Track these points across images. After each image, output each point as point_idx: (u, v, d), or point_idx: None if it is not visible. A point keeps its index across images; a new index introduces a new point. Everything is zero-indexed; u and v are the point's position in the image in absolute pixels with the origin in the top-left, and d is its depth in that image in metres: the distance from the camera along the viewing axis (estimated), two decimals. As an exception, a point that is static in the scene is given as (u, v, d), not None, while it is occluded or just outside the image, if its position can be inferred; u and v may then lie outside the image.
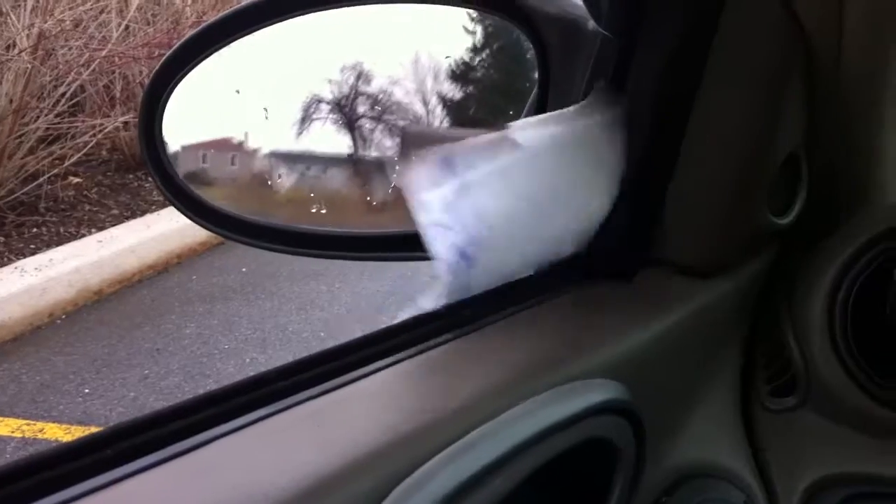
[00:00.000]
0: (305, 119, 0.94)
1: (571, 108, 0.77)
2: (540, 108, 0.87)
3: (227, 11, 0.91)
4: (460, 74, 0.95)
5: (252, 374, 0.63)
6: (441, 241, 0.70)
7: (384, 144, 0.95)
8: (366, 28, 0.94)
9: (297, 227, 0.93)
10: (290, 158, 0.99)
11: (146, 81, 5.39)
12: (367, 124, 0.94)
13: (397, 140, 0.95)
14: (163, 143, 0.89)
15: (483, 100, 1.01)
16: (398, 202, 0.96)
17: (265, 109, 0.96)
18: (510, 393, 0.65)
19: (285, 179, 1.00)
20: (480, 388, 0.65)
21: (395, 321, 0.71)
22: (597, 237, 0.80)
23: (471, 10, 0.92)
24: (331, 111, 0.94)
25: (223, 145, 0.99)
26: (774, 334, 0.88)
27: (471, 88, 0.98)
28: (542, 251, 0.77)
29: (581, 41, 0.81)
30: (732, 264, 0.84)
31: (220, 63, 0.89)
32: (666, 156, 0.77)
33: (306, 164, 0.98)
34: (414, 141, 0.96)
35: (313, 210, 0.98)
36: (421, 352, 0.68)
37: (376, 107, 0.94)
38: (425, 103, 0.94)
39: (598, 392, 0.69)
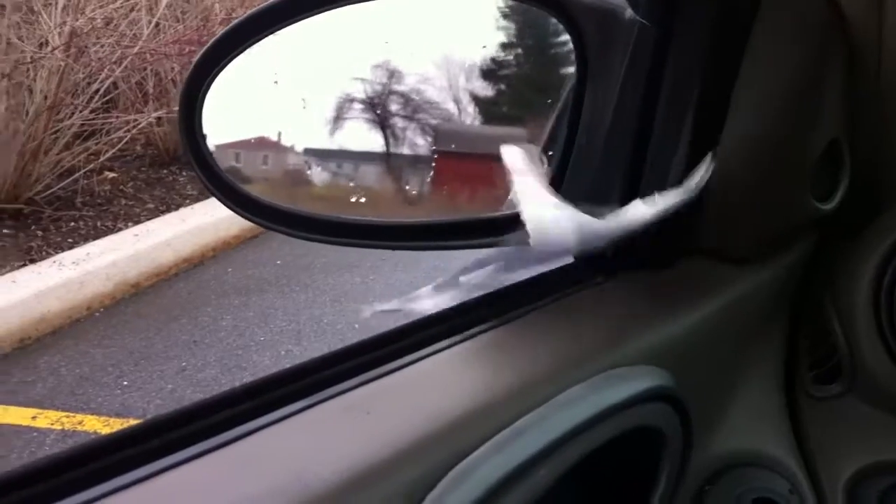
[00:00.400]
0: (338, 118, 0.95)
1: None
2: (577, 99, 0.86)
3: (259, 7, 0.91)
4: (492, 70, 0.95)
5: (293, 364, 0.63)
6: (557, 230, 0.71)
7: (416, 142, 0.95)
8: (399, 20, 0.94)
9: (335, 217, 0.94)
10: (323, 156, 0.99)
11: (178, 77, 5.44)
12: (398, 122, 0.94)
13: (429, 138, 0.95)
14: (203, 137, 0.90)
15: (515, 95, 1.00)
16: (432, 197, 0.97)
17: (303, 100, 0.97)
18: (556, 380, 0.65)
19: (318, 177, 1.00)
20: (526, 376, 0.64)
21: (424, 316, 0.71)
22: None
23: (508, 0, 0.92)
24: (363, 110, 0.94)
25: (257, 144, 1.00)
26: (818, 321, 0.87)
27: (503, 85, 0.98)
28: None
29: (618, 30, 0.80)
30: (775, 251, 0.84)
31: (254, 59, 0.90)
32: (705, 143, 0.77)
33: (338, 162, 0.99)
34: (446, 138, 0.96)
35: (353, 199, 0.98)
36: (464, 339, 0.68)
37: (408, 105, 0.94)
38: (457, 101, 0.94)
39: (644, 379, 0.69)
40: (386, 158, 0.96)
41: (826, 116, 0.78)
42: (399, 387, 0.63)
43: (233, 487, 0.53)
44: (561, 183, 0.84)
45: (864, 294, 0.83)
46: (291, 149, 1.00)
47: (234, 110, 0.98)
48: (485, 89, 0.95)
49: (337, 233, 0.92)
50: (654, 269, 0.82)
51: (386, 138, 0.95)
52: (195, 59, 0.90)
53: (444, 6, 0.95)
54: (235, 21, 0.92)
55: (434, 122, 0.95)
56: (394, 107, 0.94)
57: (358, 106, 0.94)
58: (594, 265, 0.80)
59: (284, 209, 0.93)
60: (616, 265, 0.81)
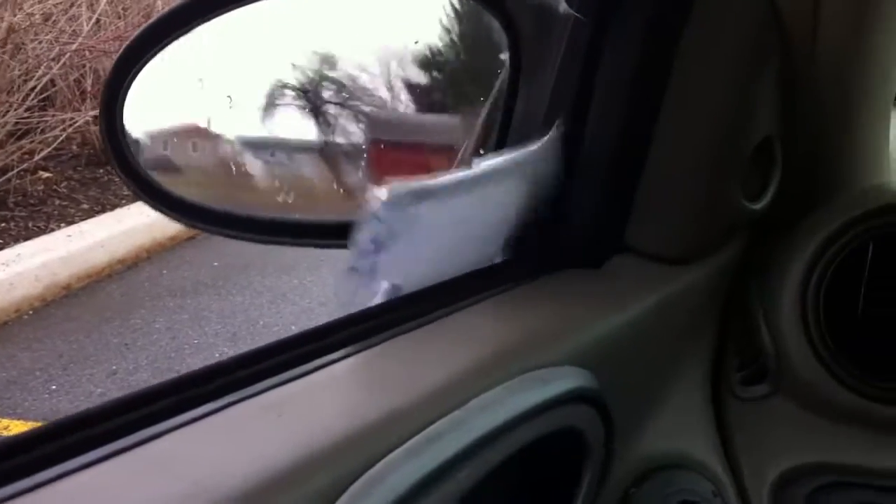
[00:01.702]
0: (270, 105, 0.93)
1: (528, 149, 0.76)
2: (511, 93, 0.85)
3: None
4: (427, 58, 0.94)
5: (203, 365, 0.60)
6: (365, 228, 0.69)
7: (349, 130, 0.94)
8: (331, 10, 0.94)
9: (259, 215, 0.93)
10: (255, 145, 0.98)
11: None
12: (332, 110, 0.93)
13: (363, 125, 0.95)
14: (125, 135, 0.89)
15: (449, 84, 1.00)
16: (367, 186, 0.97)
17: (229, 97, 0.96)
18: (476, 382, 0.63)
19: (250, 166, 0.99)
20: (445, 377, 0.63)
21: (344, 315, 0.68)
22: (566, 224, 0.79)
23: None
24: (295, 97, 0.93)
25: (186, 133, 0.98)
26: (746, 322, 0.86)
27: (437, 73, 0.97)
28: (472, 257, 0.76)
29: (553, 24, 0.80)
30: (705, 251, 0.83)
31: (181, 51, 0.88)
32: (638, 140, 0.76)
33: (271, 151, 0.97)
34: (379, 126, 0.96)
35: (279, 199, 0.97)
36: (385, 340, 0.66)
37: (342, 92, 0.93)
38: (391, 88, 0.93)
39: (566, 380, 0.68)
40: (319, 149, 0.95)
41: (759, 114, 0.78)
42: (313, 389, 0.61)
43: (139, 491, 0.51)
44: None
45: (792, 294, 0.83)
46: (221, 139, 0.99)
47: (159, 108, 0.97)
48: (419, 77, 0.94)
49: (260, 230, 0.91)
50: (582, 269, 0.81)
51: (319, 126, 0.93)
52: (115, 57, 0.89)
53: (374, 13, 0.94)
54: (156, 16, 0.91)
55: (367, 109, 0.94)
56: (327, 94, 0.93)
57: (290, 93, 0.92)
58: (521, 265, 0.79)
59: (205, 207, 0.92)
60: (544, 265, 0.80)
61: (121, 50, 0.88)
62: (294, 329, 4.13)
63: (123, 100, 0.88)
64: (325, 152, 0.96)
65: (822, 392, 0.82)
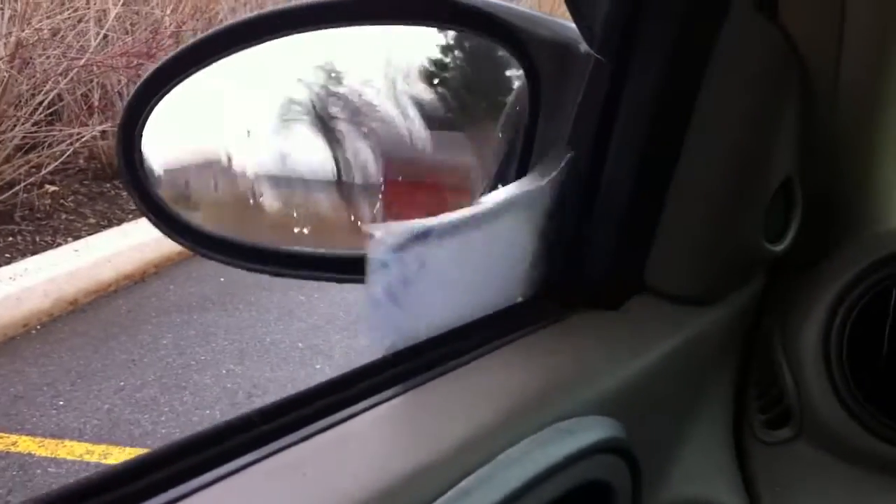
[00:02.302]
0: (285, 129, 0.94)
1: (528, 176, 0.76)
2: (529, 132, 0.84)
3: (202, 35, 0.91)
4: (432, 75, 0.94)
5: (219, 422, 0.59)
6: (376, 279, 0.68)
7: (365, 160, 0.94)
8: (349, 46, 0.94)
9: (275, 247, 0.93)
10: (272, 176, 0.98)
11: (125, 90, 5.36)
12: (343, 129, 0.94)
13: (380, 164, 0.94)
14: (142, 161, 0.89)
15: (459, 100, 0.99)
16: (380, 203, 0.95)
17: (248, 132, 0.96)
18: (502, 434, 0.62)
19: (266, 196, 0.99)
20: (471, 431, 0.62)
21: (367, 363, 0.68)
22: (585, 264, 0.78)
23: (457, 31, 0.91)
24: (309, 122, 0.93)
25: (205, 167, 0.99)
26: (768, 363, 0.85)
27: (443, 89, 0.97)
28: (489, 298, 0.75)
29: (573, 64, 0.79)
30: (724, 291, 0.82)
31: (199, 83, 0.89)
32: (657, 181, 0.76)
33: (287, 181, 0.98)
34: (395, 166, 0.96)
35: (296, 230, 0.97)
36: (406, 391, 0.65)
37: (356, 115, 0.94)
38: (405, 116, 0.93)
39: (593, 431, 0.67)
40: (335, 184, 0.95)
41: (779, 155, 0.77)
42: (337, 445, 0.60)
43: None
44: None
45: (814, 337, 0.82)
46: (238, 170, 0.99)
47: (180, 134, 0.97)
48: (424, 92, 0.94)
49: (276, 262, 0.91)
50: (603, 311, 0.80)
51: (337, 162, 0.94)
52: (137, 83, 0.89)
53: (391, 38, 0.94)
54: (177, 49, 0.91)
55: (376, 126, 0.94)
56: (339, 114, 0.93)
57: (304, 118, 0.93)
58: (541, 306, 0.78)
59: (221, 237, 0.92)
60: (564, 306, 0.79)
61: (138, 83, 0.88)
62: (300, 346, 4.16)
63: (142, 130, 0.88)
64: (340, 183, 0.96)
65: (845, 437, 0.81)
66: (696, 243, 0.78)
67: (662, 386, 0.78)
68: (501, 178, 0.90)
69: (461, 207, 0.99)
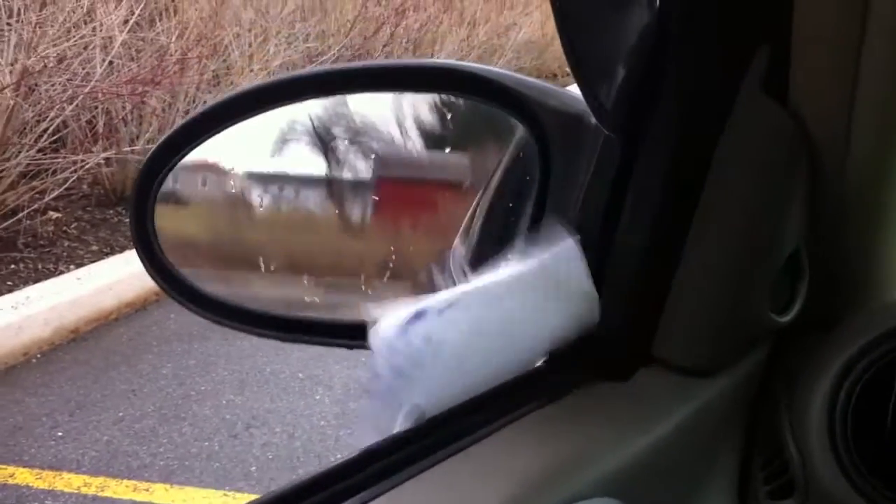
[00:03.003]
0: (281, 141, 0.95)
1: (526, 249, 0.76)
2: (539, 201, 0.86)
3: (218, 101, 0.92)
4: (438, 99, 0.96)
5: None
6: (383, 362, 0.69)
7: (358, 167, 0.96)
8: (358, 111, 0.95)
9: (281, 314, 0.94)
10: (264, 180, 1.00)
11: (129, 117, 5.38)
12: (341, 147, 0.95)
13: (371, 163, 0.96)
14: (154, 230, 0.90)
15: (459, 121, 1.00)
16: (374, 226, 0.98)
17: (260, 198, 0.98)
18: None
19: (258, 201, 1.01)
20: None
21: (365, 449, 0.67)
22: (593, 336, 0.78)
23: (469, 100, 0.93)
24: (306, 134, 0.94)
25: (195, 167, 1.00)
26: (773, 433, 0.85)
27: (447, 111, 0.98)
28: (498, 371, 0.76)
29: (583, 136, 0.80)
30: (730, 361, 0.82)
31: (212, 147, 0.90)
32: (667, 255, 0.76)
33: (280, 186, 1.00)
34: (387, 164, 0.97)
35: (304, 291, 0.98)
36: (408, 478, 0.65)
37: (351, 130, 0.95)
38: (400, 125, 0.94)
39: None
40: (327, 185, 0.97)
41: (788, 227, 0.78)
42: None
43: None
44: None
45: (819, 409, 0.81)
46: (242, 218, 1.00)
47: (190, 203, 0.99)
48: (428, 114, 0.95)
49: (281, 328, 0.92)
50: (610, 382, 0.80)
51: (328, 163, 0.95)
52: (152, 149, 0.90)
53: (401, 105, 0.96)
54: (194, 113, 0.93)
55: (376, 146, 0.95)
56: (336, 130, 0.94)
57: (301, 130, 0.94)
58: (547, 380, 0.78)
59: (231, 304, 0.94)
60: (570, 379, 0.79)
61: (153, 149, 0.89)
62: (300, 376, 4.15)
63: (154, 198, 0.89)
64: (335, 188, 0.97)
65: None
66: (703, 316, 0.79)
67: (669, 460, 0.78)
68: (504, 235, 0.91)
69: (452, 206, 1.00)
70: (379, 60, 7.28)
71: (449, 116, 0.98)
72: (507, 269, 0.75)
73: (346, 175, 0.97)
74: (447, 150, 1.01)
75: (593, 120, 0.79)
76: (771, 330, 0.82)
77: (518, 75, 0.87)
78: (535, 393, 0.77)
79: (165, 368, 4.36)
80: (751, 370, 0.85)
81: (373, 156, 0.96)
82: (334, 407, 3.96)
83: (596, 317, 0.77)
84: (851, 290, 0.87)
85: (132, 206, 0.89)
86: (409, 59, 6.83)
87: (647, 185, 0.75)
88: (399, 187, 1.01)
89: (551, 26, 0.77)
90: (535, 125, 0.84)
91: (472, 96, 0.90)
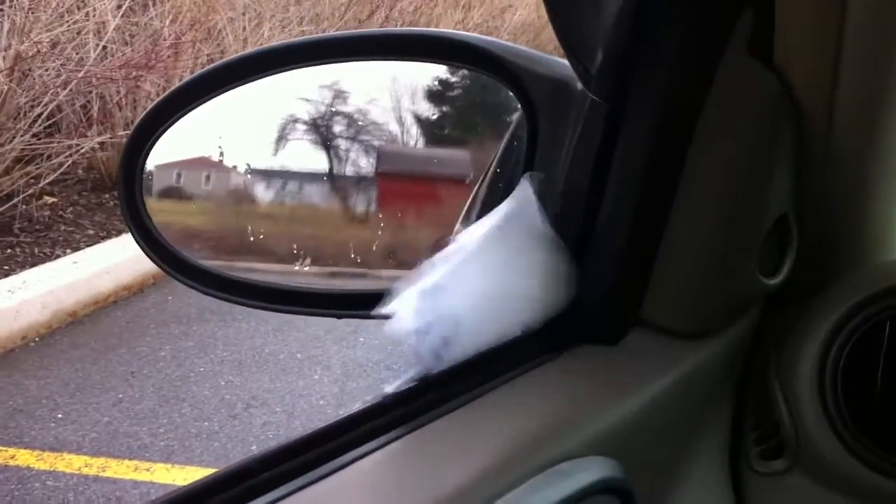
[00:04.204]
0: (283, 138, 0.96)
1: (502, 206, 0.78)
2: (528, 165, 0.86)
3: (208, 68, 0.92)
4: (438, 91, 0.96)
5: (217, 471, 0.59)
6: (419, 346, 0.71)
7: (359, 163, 0.96)
8: (348, 80, 0.95)
9: (277, 284, 0.95)
10: (267, 175, 1.00)
11: (123, 101, 5.35)
12: (342, 143, 0.95)
13: (373, 158, 0.96)
14: (143, 200, 0.91)
15: (461, 117, 1.01)
16: (378, 218, 0.98)
17: (248, 165, 0.98)
18: (500, 478, 0.62)
19: (262, 197, 1.01)
20: (467, 476, 0.62)
21: (366, 405, 0.69)
22: (583, 300, 0.79)
23: (458, 68, 0.93)
24: (308, 130, 0.95)
25: (198, 164, 1.01)
26: (764, 395, 0.86)
27: (447, 106, 0.99)
28: (508, 329, 0.77)
29: (570, 102, 0.81)
30: (721, 325, 0.83)
31: (202, 113, 0.90)
32: (655, 218, 0.77)
33: (283, 182, 1.00)
34: (388, 159, 0.97)
35: (296, 267, 0.98)
36: (402, 435, 0.66)
37: (352, 126, 0.95)
38: (401, 122, 0.95)
39: (591, 472, 0.67)
40: (329, 180, 0.97)
41: (775, 191, 0.78)
42: (333, 493, 0.61)
43: None
44: None
45: (810, 369, 0.82)
46: (233, 171, 1.01)
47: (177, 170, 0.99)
48: (429, 110, 0.96)
49: (278, 300, 0.93)
50: (600, 346, 0.81)
51: (329, 158, 0.95)
52: (138, 119, 0.91)
53: (392, 72, 0.96)
54: (178, 85, 0.93)
55: (378, 142, 0.96)
56: (337, 128, 0.95)
57: (301, 126, 0.95)
58: (538, 342, 0.79)
59: (225, 275, 0.94)
60: (561, 341, 0.80)
61: (136, 122, 0.90)
62: (299, 357, 4.16)
63: (143, 165, 0.90)
64: (337, 183, 0.97)
65: (840, 468, 0.82)
66: (693, 278, 0.79)
67: (660, 421, 0.79)
68: (495, 194, 0.92)
69: (454, 200, 1.01)
70: (373, 29, 7.24)
71: (447, 110, 0.98)
72: (477, 229, 0.76)
73: (349, 171, 0.97)
74: (448, 145, 1.02)
75: (580, 85, 0.79)
76: (760, 293, 0.83)
77: (507, 43, 0.87)
78: (528, 356, 0.78)
79: (164, 350, 4.37)
80: (741, 333, 0.86)
81: (374, 152, 0.97)
82: (333, 387, 3.98)
83: (562, 262, 0.78)
84: (839, 253, 0.87)
85: (120, 173, 0.90)
86: (401, 28, 6.80)
87: (633, 148, 0.75)
88: (400, 182, 1.01)
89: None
90: (522, 91, 0.85)
91: (463, 65, 0.91)
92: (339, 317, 0.93)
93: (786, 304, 0.87)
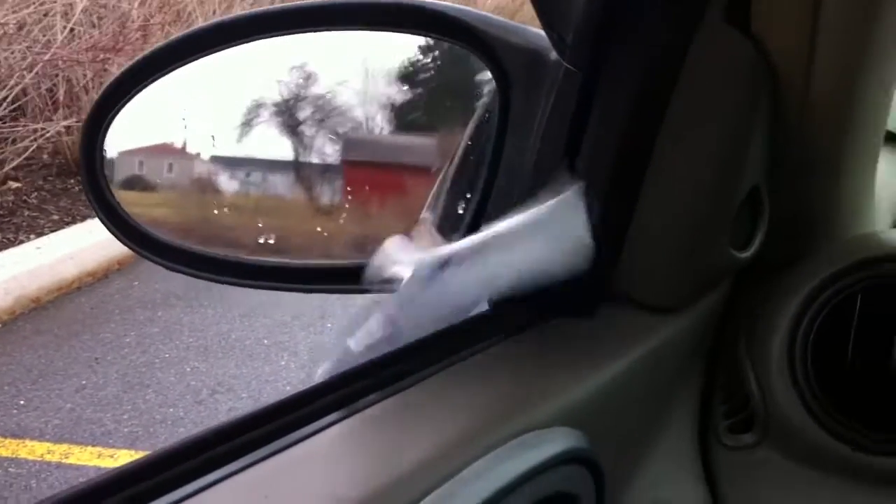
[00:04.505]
0: (247, 123, 0.93)
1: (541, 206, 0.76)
2: (499, 138, 0.85)
3: (175, 37, 0.90)
4: (405, 78, 0.94)
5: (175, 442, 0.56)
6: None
7: (325, 151, 0.94)
8: (317, 50, 0.93)
9: (242, 258, 0.93)
10: (232, 163, 0.97)
11: (90, 84, 5.27)
12: (308, 130, 0.93)
13: (339, 146, 0.94)
14: (104, 174, 0.89)
15: (430, 104, 0.99)
16: (343, 207, 0.96)
17: (212, 137, 0.96)
18: (465, 450, 0.62)
19: (227, 185, 0.99)
20: (434, 446, 0.62)
21: (332, 376, 0.67)
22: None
23: (429, 38, 0.91)
24: (273, 115, 0.93)
25: (162, 150, 0.98)
26: (734, 369, 0.86)
27: (419, 90, 0.97)
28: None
29: (543, 73, 0.79)
30: (692, 298, 0.83)
31: (166, 85, 0.88)
32: (627, 190, 0.76)
33: (248, 170, 0.97)
34: (355, 146, 0.95)
35: (261, 241, 0.96)
36: (369, 405, 0.65)
37: (318, 112, 0.93)
38: (369, 107, 0.93)
39: (556, 443, 0.67)
40: (295, 168, 0.95)
41: (748, 164, 0.77)
42: (297, 464, 0.59)
43: None
44: (478, 227, 0.81)
45: (780, 343, 0.82)
46: (196, 158, 0.98)
47: (143, 136, 0.97)
48: (399, 94, 0.94)
49: (243, 275, 0.91)
50: (572, 319, 0.80)
51: (295, 146, 0.93)
52: (101, 91, 0.89)
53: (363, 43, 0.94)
54: (148, 51, 0.91)
55: (345, 129, 0.94)
56: (303, 113, 0.93)
57: (267, 112, 0.92)
58: (510, 315, 0.78)
59: (189, 249, 0.92)
60: (533, 314, 0.79)
61: (102, 88, 0.88)
62: (266, 343, 4.14)
63: (104, 136, 0.88)
64: (303, 171, 0.96)
65: (810, 441, 0.82)
66: (665, 251, 0.79)
67: (629, 394, 0.78)
68: (469, 181, 0.91)
69: (421, 188, 0.99)
70: None
71: (417, 93, 0.96)
72: (514, 220, 0.74)
73: (314, 159, 0.95)
74: (416, 132, 1.00)
75: (554, 55, 0.78)
76: (732, 267, 0.82)
77: (481, 12, 0.86)
78: (499, 328, 0.77)
79: (129, 336, 4.33)
80: (713, 307, 0.86)
81: (340, 140, 0.94)
82: (300, 372, 3.96)
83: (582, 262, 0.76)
84: (813, 227, 0.87)
85: (81, 146, 0.88)
86: None
87: (607, 118, 0.74)
88: (367, 171, 0.99)
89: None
90: (496, 62, 0.83)
91: (436, 35, 0.89)
92: (313, 291, 0.92)
93: (758, 278, 0.87)
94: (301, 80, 0.94)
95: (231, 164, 0.97)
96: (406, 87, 0.95)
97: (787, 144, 0.79)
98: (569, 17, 0.73)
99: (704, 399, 0.88)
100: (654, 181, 0.75)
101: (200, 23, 7.26)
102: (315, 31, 0.90)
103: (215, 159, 0.97)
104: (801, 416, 0.82)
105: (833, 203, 0.87)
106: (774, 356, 0.83)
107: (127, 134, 0.92)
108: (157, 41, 6.60)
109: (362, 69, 0.93)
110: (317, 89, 0.94)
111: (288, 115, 0.93)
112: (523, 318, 0.78)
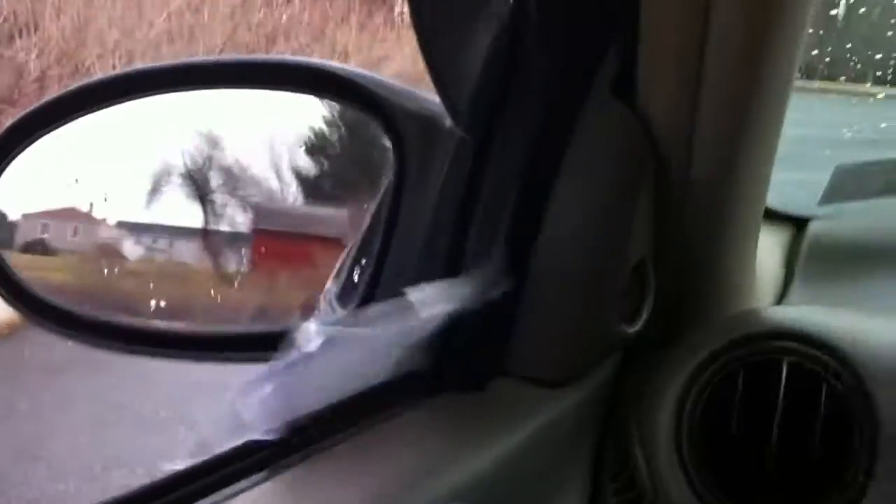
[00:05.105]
0: (155, 191, 0.91)
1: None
2: (395, 203, 0.85)
3: (71, 88, 0.88)
4: (317, 149, 0.94)
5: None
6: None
7: (236, 219, 0.93)
8: (221, 108, 0.92)
9: (140, 325, 0.91)
10: (138, 230, 0.96)
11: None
12: (218, 198, 0.92)
13: (249, 215, 0.93)
14: None
15: (339, 175, 1.00)
16: (250, 277, 0.95)
17: (105, 196, 0.93)
18: None
19: (131, 252, 0.97)
20: None
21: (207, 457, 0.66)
22: (446, 346, 0.77)
23: (325, 99, 0.91)
24: (182, 183, 0.91)
25: (66, 215, 0.95)
26: (622, 446, 0.86)
27: (327, 164, 0.97)
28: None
29: (438, 139, 0.80)
30: (583, 372, 0.83)
31: (65, 136, 0.86)
32: (518, 262, 0.76)
33: (154, 237, 0.95)
34: (266, 216, 0.95)
35: (154, 305, 0.94)
36: (255, 485, 0.64)
37: (229, 181, 0.92)
38: (280, 178, 0.92)
39: None
40: (203, 236, 0.94)
41: (635, 237, 0.78)
42: None
43: None
44: (372, 298, 0.82)
45: (666, 421, 0.82)
46: (101, 224, 0.96)
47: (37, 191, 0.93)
48: (308, 167, 0.94)
49: (140, 342, 0.89)
50: (462, 394, 0.79)
51: (205, 213, 0.92)
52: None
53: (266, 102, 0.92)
54: (42, 101, 0.89)
55: (255, 199, 0.93)
56: (214, 182, 0.91)
57: (176, 179, 0.91)
58: (397, 390, 0.76)
59: (81, 316, 0.90)
60: (422, 389, 0.78)
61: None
62: (162, 415, 4.02)
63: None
64: (211, 239, 0.95)
65: None
66: (553, 325, 0.79)
67: (520, 471, 0.77)
68: (369, 251, 0.89)
69: (330, 261, 0.97)
70: (240, 56, 7.21)
71: (327, 165, 0.97)
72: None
73: (224, 227, 0.95)
74: (329, 203, 1.01)
75: (448, 123, 0.78)
76: (621, 340, 0.83)
77: (377, 76, 0.86)
78: (389, 403, 0.76)
79: (21, 404, 4.13)
80: (602, 382, 0.86)
81: (251, 209, 0.95)
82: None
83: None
84: (693, 304, 0.89)
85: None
86: (270, 56, 6.78)
87: (498, 188, 0.75)
88: (278, 240, 0.99)
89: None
90: (391, 127, 0.83)
91: (331, 96, 0.89)
92: (229, 361, 0.88)
93: (644, 353, 0.87)
94: (207, 146, 0.93)
95: (138, 229, 0.96)
96: (318, 156, 0.96)
97: (668, 220, 0.81)
98: (463, 87, 0.73)
99: (594, 476, 0.88)
100: (544, 252, 0.75)
101: (100, 76, 7.22)
102: (209, 89, 0.89)
103: (122, 225, 0.96)
104: (687, 497, 0.81)
105: (714, 280, 0.89)
106: (661, 434, 0.83)
107: (20, 191, 0.89)
108: (53, 93, 6.48)
109: (270, 134, 0.93)
110: (226, 155, 0.93)
111: (197, 181, 0.92)
112: (413, 393, 0.78)
